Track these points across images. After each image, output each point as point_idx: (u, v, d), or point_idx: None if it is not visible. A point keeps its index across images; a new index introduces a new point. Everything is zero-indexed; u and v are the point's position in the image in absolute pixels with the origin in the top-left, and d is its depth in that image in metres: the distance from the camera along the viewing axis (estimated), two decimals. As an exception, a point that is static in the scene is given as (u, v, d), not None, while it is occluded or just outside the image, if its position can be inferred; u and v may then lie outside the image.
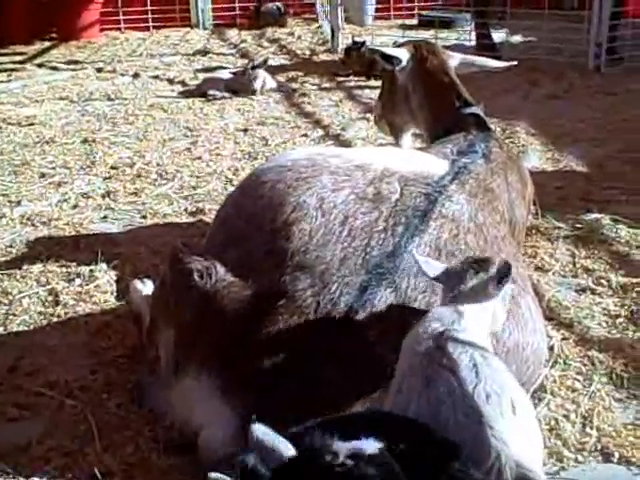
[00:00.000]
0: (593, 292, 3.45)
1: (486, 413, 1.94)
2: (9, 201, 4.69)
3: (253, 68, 7.04)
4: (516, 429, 1.96)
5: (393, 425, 1.92)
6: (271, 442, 1.69)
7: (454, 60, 3.78)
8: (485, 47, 8.27)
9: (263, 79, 7.13)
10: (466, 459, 1.80)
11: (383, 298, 2.47)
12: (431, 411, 1.99)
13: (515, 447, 1.91)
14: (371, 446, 1.67)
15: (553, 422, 2.64)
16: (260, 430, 1.73)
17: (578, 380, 2.85)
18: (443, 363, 2.06)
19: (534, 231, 3.95)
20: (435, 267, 2.39)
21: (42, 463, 2.49)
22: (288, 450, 1.68)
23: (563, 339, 3.09)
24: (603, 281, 3.51)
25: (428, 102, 3.73)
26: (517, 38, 9.00)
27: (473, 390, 1.99)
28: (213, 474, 1.56)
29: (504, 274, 2.26)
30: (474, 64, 3.86)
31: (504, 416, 1.96)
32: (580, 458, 2.49)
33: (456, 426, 1.94)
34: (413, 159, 3.05)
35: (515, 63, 4.02)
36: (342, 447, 1.64)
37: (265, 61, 7.27)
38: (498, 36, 8.55)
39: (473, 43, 8.51)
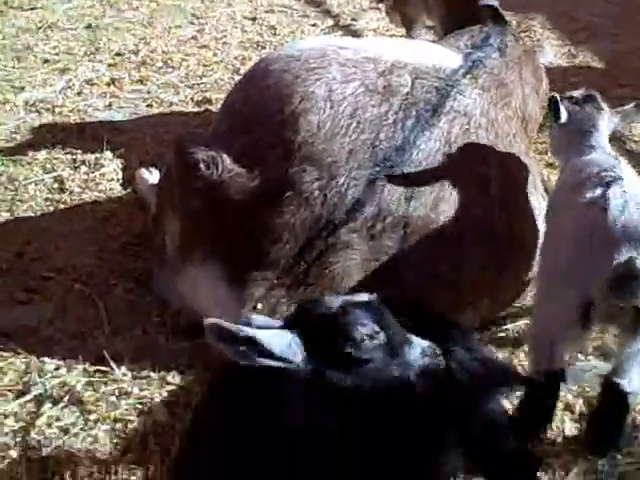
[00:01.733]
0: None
1: None
2: (12, 87, 4.59)
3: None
4: None
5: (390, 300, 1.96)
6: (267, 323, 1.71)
7: None
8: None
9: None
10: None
11: (391, 191, 2.45)
12: None
13: None
14: (362, 296, 1.70)
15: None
16: (258, 320, 1.73)
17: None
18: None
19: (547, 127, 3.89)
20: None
21: (52, 344, 2.55)
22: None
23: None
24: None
25: (443, -7, 3.61)
26: None
27: None
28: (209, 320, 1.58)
29: None
30: None
31: None
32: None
33: None
34: (425, 51, 2.97)
35: None
36: (335, 300, 1.68)
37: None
38: None
39: None
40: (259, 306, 2.37)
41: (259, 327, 1.66)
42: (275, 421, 1.61)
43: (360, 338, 1.58)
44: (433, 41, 3.55)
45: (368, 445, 1.63)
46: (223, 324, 1.57)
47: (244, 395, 1.66)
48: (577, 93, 2.61)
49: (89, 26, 5.66)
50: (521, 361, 2.48)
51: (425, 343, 1.64)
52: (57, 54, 5.12)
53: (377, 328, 1.60)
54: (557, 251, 2.27)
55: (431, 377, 1.63)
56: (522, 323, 2.65)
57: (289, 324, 1.68)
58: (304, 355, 1.59)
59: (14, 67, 4.91)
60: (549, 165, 3.61)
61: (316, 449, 1.61)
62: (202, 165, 2.52)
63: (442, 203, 2.47)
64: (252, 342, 1.56)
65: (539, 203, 2.68)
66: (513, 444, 1.86)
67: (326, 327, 1.61)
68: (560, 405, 2.29)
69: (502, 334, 2.62)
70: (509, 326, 2.65)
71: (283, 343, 1.58)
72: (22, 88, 4.58)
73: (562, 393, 2.28)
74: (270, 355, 1.57)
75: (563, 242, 2.24)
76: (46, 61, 5.00)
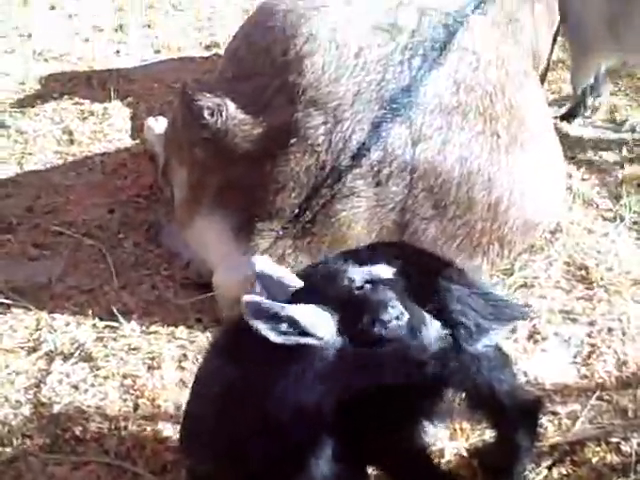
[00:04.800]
0: (617, 130, 3.33)
1: None
2: (20, 35, 4.54)
3: None
4: None
5: (402, 251, 1.93)
6: (275, 275, 1.68)
7: None
8: None
9: None
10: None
11: (397, 135, 2.39)
12: None
13: None
14: (385, 271, 1.68)
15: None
16: (262, 263, 1.71)
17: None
18: None
19: (560, 65, 3.77)
20: None
21: (63, 300, 2.56)
22: (293, 281, 1.67)
23: (583, 179, 3.03)
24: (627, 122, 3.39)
25: None
26: None
27: None
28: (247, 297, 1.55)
29: None
30: None
31: None
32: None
33: None
34: (433, -14, 2.86)
35: None
36: (358, 272, 1.64)
37: None
38: None
39: None
40: (266, 257, 2.34)
41: (265, 274, 1.63)
42: (283, 392, 1.59)
43: (389, 319, 1.57)
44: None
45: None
46: (263, 302, 1.53)
47: (247, 360, 1.64)
48: None
49: (95, -32, 5.55)
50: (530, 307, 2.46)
51: (437, 323, 1.62)
52: (63, -1, 5.04)
53: (403, 310, 1.59)
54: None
55: (443, 356, 1.63)
56: (531, 271, 2.62)
57: (307, 290, 1.64)
58: (335, 333, 1.57)
59: (21, 13, 4.84)
60: (562, 106, 3.52)
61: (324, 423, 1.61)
62: (206, 113, 2.48)
63: (449, 145, 2.41)
64: (293, 320, 1.52)
65: (551, 144, 2.61)
66: (514, 383, 1.85)
67: (356, 305, 1.59)
68: (568, 357, 2.28)
69: (511, 281, 2.59)
70: (518, 274, 2.61)
71: (322, 321, 1.55)
72: (29, 35, 4.52)
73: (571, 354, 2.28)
74: (309, 334, 1.54)
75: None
76: (53, 7, 4.93)
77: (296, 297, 1.61)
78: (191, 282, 2.56)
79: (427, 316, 1.63)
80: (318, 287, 1.65)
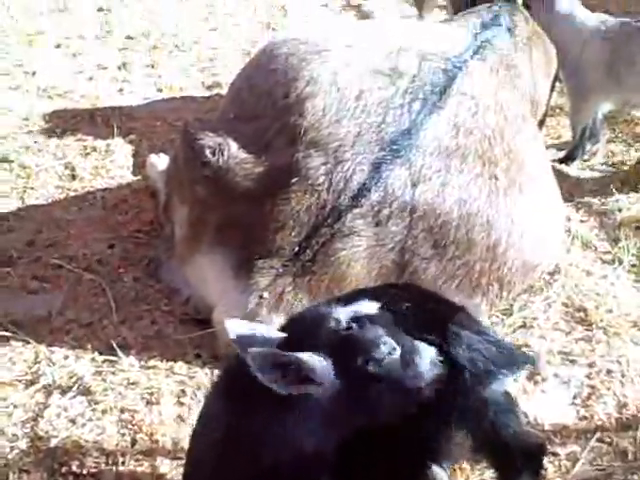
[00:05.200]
0: (616, 173, 3.37)
1: None
2: (24, 72, 4.60)
3: None
4: None
5: (385, 290, 1.95)
6: (254, 332, 1.65)
7: None
8: None
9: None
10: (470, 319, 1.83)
11: (397, 176, 2.43)
12: None
13: None
14: (369, 307, 1.67)
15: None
16: (235, 326, 1.66)
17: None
18: None
19: (558, 110, 3.83)
20: None
21: (62, 334, 2.57)
22: (275, 333, 1.67)
23: (582, 221, 3.07)
24: (625, 163, 3.42)
25: (453, -30, 3.55)
26: None
27: None
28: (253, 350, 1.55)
29: None
30: None
31: None
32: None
33: None
34: (433, 32, 2.93)
35: None
36: (342, 312, 1.64)
37: None
38: None
39: None
40: (265, 295, 2.36)
41: (243, 335, 1.61)
42: (283, 437, 1.59)
43: (382, 357, 1.57)
44: (442, 21, 3.50)
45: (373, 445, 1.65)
46: (265, 352, 1.53)
47: (246, 404, 1.63)
48: None
49: (100, 9, 5.65)
50: (529, 347, 2.48)
51: (431, 350, 1.63)
52: (69, 38, 5.12)
53: (394, 344, 1.58)
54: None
55: (438, 382, 1.62)
56: (530, 312, 2.63)
57: (294, 338, 1.63)
58: (332, 377, 1.57)
59: (26, 51, 4.91)
60: (561, 150, 3.57)
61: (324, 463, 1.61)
62: (208, 151, 2.51)
63: (448, 187, 2.44)
64: (298, 369, 1.52)
65: (549, 187, 2.64)
66: (519, 428, 1.85)
67: (346, 346, 1.58)
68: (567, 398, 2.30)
69: (511, 321, 2.60)
70: (518, 314, 2.62)
71: (320, 367, 1.55)
72: (34, 73, 4.58)
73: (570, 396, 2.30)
74: (312, 380, 1.54)
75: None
76: (58, 45, 5.00)
77: (283, 348, 1.59)
78: (190, 318, 2.57)
79: (419, 344, 1.62)
80: (306, 334, 1.63)
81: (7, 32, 5.23)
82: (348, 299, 1.76)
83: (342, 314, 1.63)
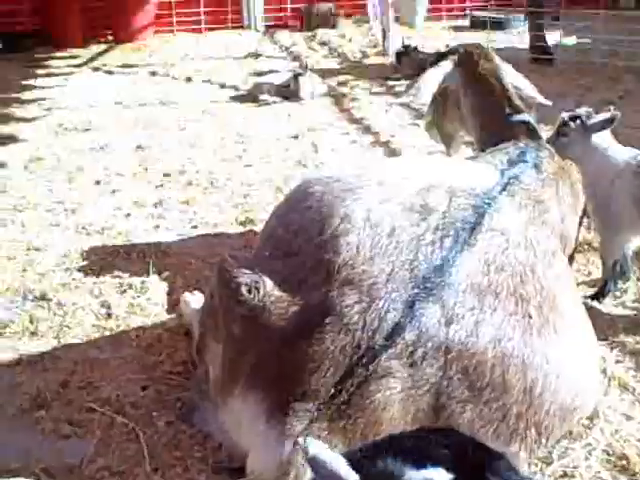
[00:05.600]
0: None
1: None
2: (65, 209, 4.77)
3: (296, 77, 7.07)
4: None
5: (456, 446, 1.89)
6: (329, 464, 1.62)
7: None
8: (539, 50, 8.10)
9: (312, 84, 7.14)
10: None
11: (430, 315, 2.42)
12: None
13: None
14: (443, 477, 1.63)
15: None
16: (316, 447, 1.64)
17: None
18: None
19: (587, 247, 3.84)
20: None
21: (93, 483, 2.52)
22: (349, 475, 1.62)
23: (617, 361, 3.01)
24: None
25: (478, 108, 3.66)
26: (571, 40, 8.77)
27: None
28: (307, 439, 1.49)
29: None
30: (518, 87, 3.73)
31: None
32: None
33: None
34: (461, 169, 2.99)
35: (550, 104, 3.79)
36: (414, 478, 1.59)
37: (306, 66, 7.34)
38: (552, 38, 8.36)
39: (526, 45, 8.33)
40: (300, 440, 2.31)
41: (319, 459, 1.58)
42: None
43: None
44: (469, 158, 3.58)
45: None
46: None
47: None
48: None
49: (138, 147, 5.90)
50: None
51: None
52: (108, 175, 5.33)
53: None
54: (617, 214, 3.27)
55: None
56: (570, 460, 2.53)
57: None
58: None
59: (67, 188, 5.11)
60: (592, 287, 3.55)
61: None
62: (244, 289, 2.52)
63: (482, 326, 2.42)
64: None
65: (581, 326, 2.60)
66: None
67: None
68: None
69: (551, 470, 2.50)
70: (558, 463, 2.53)
71: None
72: (73, 210, 4.74)
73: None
74: None
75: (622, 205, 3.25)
76: (97, 182, 5.19)
77: None
78: (223, 465, 2.51)
79: None
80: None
81: (51, 170, 5.46)
82: (416, 457, 1.72)
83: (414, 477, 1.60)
